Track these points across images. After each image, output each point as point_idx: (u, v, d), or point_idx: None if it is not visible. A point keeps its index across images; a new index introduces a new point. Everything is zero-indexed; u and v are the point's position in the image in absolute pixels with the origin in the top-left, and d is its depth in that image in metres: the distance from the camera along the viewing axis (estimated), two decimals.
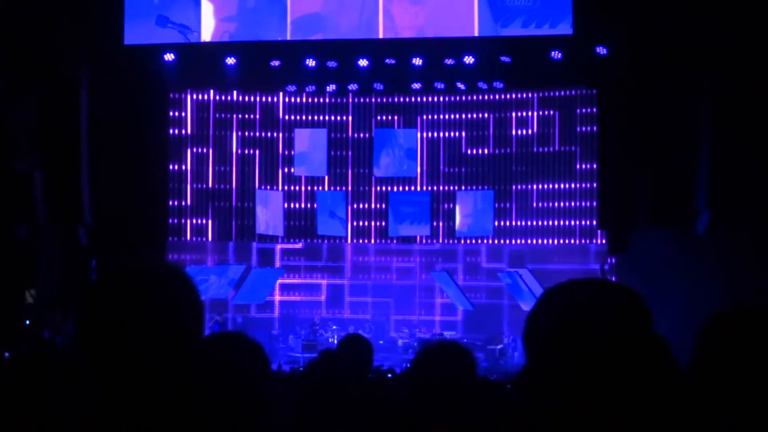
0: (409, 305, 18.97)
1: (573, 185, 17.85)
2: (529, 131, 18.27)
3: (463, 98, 18.52)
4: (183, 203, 18.48)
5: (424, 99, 18.72)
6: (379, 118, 19.00)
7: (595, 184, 16.95)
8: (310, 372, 4.52)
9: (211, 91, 18.66)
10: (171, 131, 18.14)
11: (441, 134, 18.83)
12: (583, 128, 17.55)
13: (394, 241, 19.12)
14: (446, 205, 18.79)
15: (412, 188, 18.94)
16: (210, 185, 18.74)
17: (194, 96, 18.62)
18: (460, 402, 3.58)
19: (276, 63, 16.62)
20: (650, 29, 14.71)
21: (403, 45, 16.28)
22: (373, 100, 18.85)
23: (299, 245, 19.40)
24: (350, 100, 18.94)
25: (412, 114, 18.90)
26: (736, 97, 14.22)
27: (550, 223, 18.08)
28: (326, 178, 19.09)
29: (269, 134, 19.03)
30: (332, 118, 19.04)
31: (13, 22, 15.01)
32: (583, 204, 17.72)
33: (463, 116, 18.69)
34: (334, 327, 17.96)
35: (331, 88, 18.04)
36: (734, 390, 2.18)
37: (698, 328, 2.32)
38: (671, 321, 7.61)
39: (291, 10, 16.20)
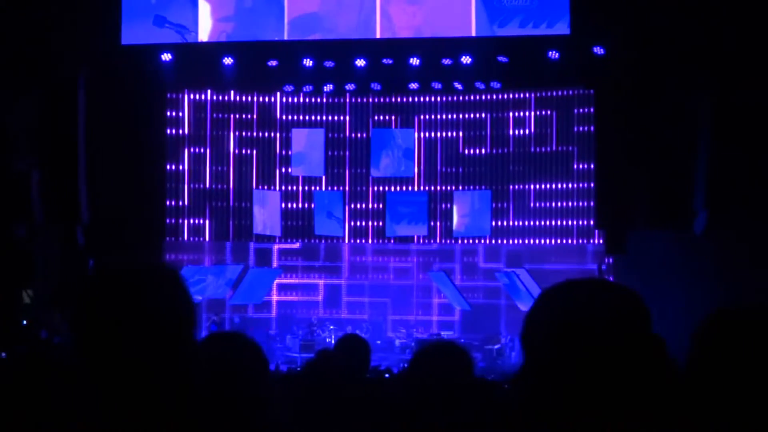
0: (407, 305, 18.96)
1: (570, 185, 17.84)
2: (527, 131, 18.26)
3: (461, 98, 18.52)
4: (180, 203, 18.46)
5: (422, 99, 18.71)
6: (376, 118, 18.99)
7: (592, 184, 16.94)
8: (308, 372, 4.52)
9: (209, 91, 18.64)
10: (168, 131, 18.13)
11: (438, 134, 18.82)
12: (581, 128, 17.55)
13: (392, 241, 19.12)
14: (443, 205, 18.78)
15: (410, 188, 18.93)
16: (207, 185, 18.72)
17: (191, 96, 18.61)
18: (458, 402, 3.58)
19: (273, 63, 16.62)
20: (648, 29, 14.72)
21: (400, 45, 16.29)
22: (371, 100, 18.85)
23: (296, 245, 19.39)
24: (347, 100, 18.93)
25: (409, 114, 18.89)
26: (733, 97, 14.23)
27: (548, 223, 18.08)
28: (323, 178, 19.08)
29: (266, 134, 19.01)
30: (329, 118, 19.03)
31: (11, 22, 15.00)
32: (581, 204, 17.72)
33: (461, 116, 18.68)
34: (332, 327, 17.95)
35: (328, 88, 18.03)
36: (731, 390, 2.18)
37: (695, 328, 2.32)
38: (668, 321, 7.62)
39: (288, 10, 16.19)
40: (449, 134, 18.76)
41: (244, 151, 18.93)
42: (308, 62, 16.48)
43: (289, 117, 19.04)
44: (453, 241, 18.86)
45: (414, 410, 3.58)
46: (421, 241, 19.02)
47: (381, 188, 18.99)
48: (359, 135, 19.03)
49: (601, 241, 16.96)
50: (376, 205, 19.02)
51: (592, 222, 17.19)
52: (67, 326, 2.32)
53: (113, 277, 2.29)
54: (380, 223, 18.96)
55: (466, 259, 19.05)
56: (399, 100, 18.80)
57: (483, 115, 18.56)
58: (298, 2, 16.23)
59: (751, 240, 14.28)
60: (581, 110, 17.52)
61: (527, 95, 18.20)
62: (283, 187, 19.06)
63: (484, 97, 18.37)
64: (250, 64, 16.68)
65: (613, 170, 15.80)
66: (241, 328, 17.62)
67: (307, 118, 19.02)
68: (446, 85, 17.56)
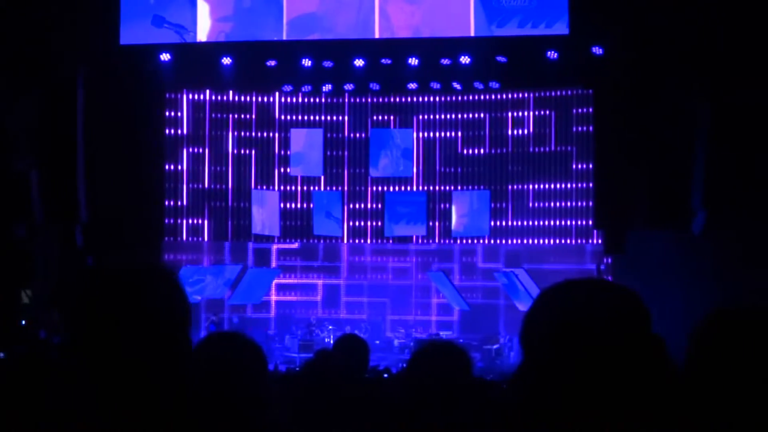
0: (406, 305, 18.96)
1: (569, 185, 17.85)
2: (525, 131, 18.27)
3: (459, 98, 18.52)
4: (179, 203, 18.46)
5: (420, 99, 18.72)
6: (375, 118, 18.99)
7: (591, 184, 16.94)
8: (307, 372, 4.53)
9: (207, 91, 18.64)
10: (167, 131, 18.12)
11: (437, 134, 18.82)
12: (579, 128, 17.56)
13: (390, 241, 19.12)
14: (442, 205, 18.79)
15: (408, 188, 18.94)
16: (206, 185, 18.72)
17: (190, 96, 18.61)
18: (456, 402, 3.58)
19: (272, 63, 16.62)
20: (646, 29, 14.72)
21: (399, 45, 16.28)
22: (369, 100, 18.85)
23: (295, 245, 19.40)
24: (346, 100, 18.93)
25: (408, 114, 18.90)
26: (732, 98, 14.23)
27: (547, 223, 18.08)
28: (322, 178, 19.08)
29: (265, 134, 19.02)
30: (328, 118, 19.03)
31: (11, 22, 15.00)
32: (579, 204, 17.73)
33: (459, 116, 18.69)
34: (331, 327, 17.96)
35: (327, 88, 18.04)
36: (730, 390, 2.18)
37: (694, 328, 2.32)
38: (667, 321, 7.61)
39: (287, 10, 16.19)
40: (448, 134, 18.76)
41: (242, 151, 18.93)
42: (307, 62, 16.48)
43: (288, 117, 19.04)
44: (452, 241, 18.87)
45: (413, 410, 3.58)
46: (420, 241, 19.02)
47: (380, 188, 18.99)
48: (358, 135, 19.03)
49: (599, 241, 16.97)
50: (374, 205, 19.02)
51: (590, 222, 17.19)
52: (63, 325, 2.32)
53: (108, 277, 2.29)
54: (379, 223, 18.96)
55: (465, 259, 19.05)
56: (398, 100, 18.80)
57: (482, 115, 18.57)
58: (296, 2, 16.23)
59: (750, 240, 14.29)
60: (580, 110, 17.53)
61: (526, 95, 18.21)
62: (282, 187, 19.06)
63: (482, 97, 18.37)
64: (249, 64, 16.69)
65: (611, 170, 15.80)
66: (239, 328, 17.61)
67: (305, 118, 19.02)
68: (445, 85, 17.57)
